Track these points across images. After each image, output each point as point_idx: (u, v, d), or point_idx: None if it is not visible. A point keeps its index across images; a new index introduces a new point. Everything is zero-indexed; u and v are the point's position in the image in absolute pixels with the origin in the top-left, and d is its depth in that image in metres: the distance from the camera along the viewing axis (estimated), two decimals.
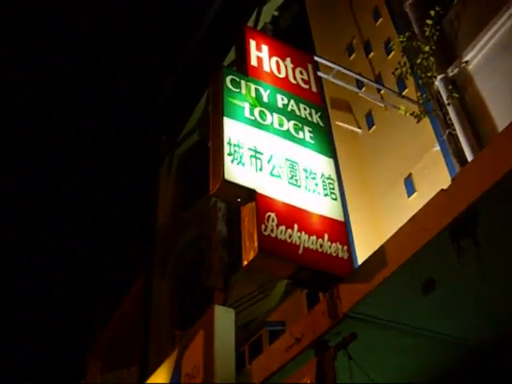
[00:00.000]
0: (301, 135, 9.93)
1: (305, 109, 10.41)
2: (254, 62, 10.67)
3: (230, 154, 8.90)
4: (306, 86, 10.97)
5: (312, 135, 10.08)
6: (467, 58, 10.28)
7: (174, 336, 15.28)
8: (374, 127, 12.09)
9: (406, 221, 7.25)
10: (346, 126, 12.47)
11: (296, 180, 9.23)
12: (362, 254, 9.67)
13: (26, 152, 33.73)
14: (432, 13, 10.42)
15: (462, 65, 10.34)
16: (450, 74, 10.44)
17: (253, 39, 11.03)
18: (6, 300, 33.43)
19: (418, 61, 10.42)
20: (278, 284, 11.94)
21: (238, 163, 8.86)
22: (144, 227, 21.41)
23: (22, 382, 33.13)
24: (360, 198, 11.44)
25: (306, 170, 9.46)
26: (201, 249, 14.61)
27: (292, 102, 10.37)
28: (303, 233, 8.59)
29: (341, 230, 9.14)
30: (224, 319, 10.06)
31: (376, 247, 7.61)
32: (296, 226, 8.60)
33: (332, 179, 9.70)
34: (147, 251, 19.88)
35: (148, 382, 12.85)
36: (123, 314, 22.13)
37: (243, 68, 10.55)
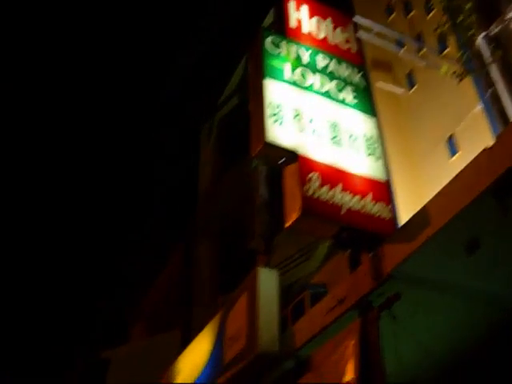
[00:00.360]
0: (342, 95, 9.92)
1: (346, 69, 10.38)
2: (293, 23, 10.63)
3: (271, 116, 8.91)
4: (347, 47, 10.94)
5: (354, 95, 10.06)
6: (510, 14, 10.10)
7: (216, 299, 15.38)
8: (415, 88, 11.95)
9: (448, 181, 7.20)
10: (386, 87, 12.33)
11: (338, 140, 9.22)
12: (404, 215, 9.63)
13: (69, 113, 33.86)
14: None
15: (505, 22, 10.16)
16: (493, 32, 10.26)
17: (292, 0, 10.97)
18: (58, 255, 33.79)
19: (459, 19, 10.26)
20: (320, 246, 11.93)
21: (279, 125, 8.87)
22: (186, 192, 21.48)
23: (65, 345, 33.63)
24: (402, 159, 11.35)
25: (348, 130, 9.45)
26: (243, 212, 14.65)
27: (333, 62, 10.34)
28: (346, 193, 8.60)
29: (384, 190, 9.13)
30: (267, 281, 10.07)
31: (418, 208, 7.59)
32: (339, 187, 8.61)
33: (375, 139, 9.68)
34: (189, 216, 19.97)
35: (191, 344, 12.97)
36: (166, 278, 22.30)
37: (283, 29, 10.51)
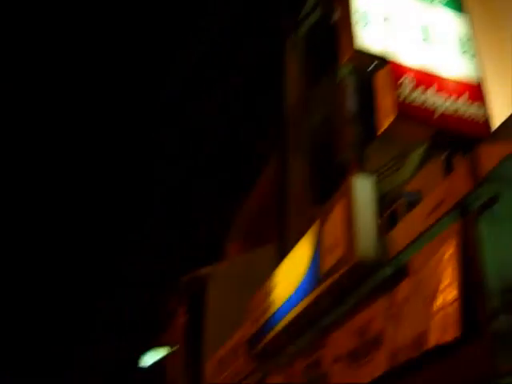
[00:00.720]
0: None
1: None
2: None
3: (359, 22, 8.78)
4: None
5: None
6: None
7: (311, 211, 15.43)
8: None
9: None
10: None
11: (430, 42, 9.06)
12: (498, 117, 9.41)
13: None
14: None
15: None
16: None
17: None
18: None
19: None
20: (413, 153, 11.81)
21: (368, 30, 8.75)
22: (274, 107, 21.45)
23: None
24: (496, 61, 10.99)
25: (439, 31, 9.27)
26: (333, 124, 14.56)
27: None
28: (439, 96, 8.48)
29: (478, 91, 8.95)
30: (362, 188, 9.99)
31: None
32: (431, 90, 8.50)
33: (468, 37, 9.46)
34: (279, 130, 19.96)
35: (288, 257, 13.08)
36: (260, 194, 22.49)
37: None
